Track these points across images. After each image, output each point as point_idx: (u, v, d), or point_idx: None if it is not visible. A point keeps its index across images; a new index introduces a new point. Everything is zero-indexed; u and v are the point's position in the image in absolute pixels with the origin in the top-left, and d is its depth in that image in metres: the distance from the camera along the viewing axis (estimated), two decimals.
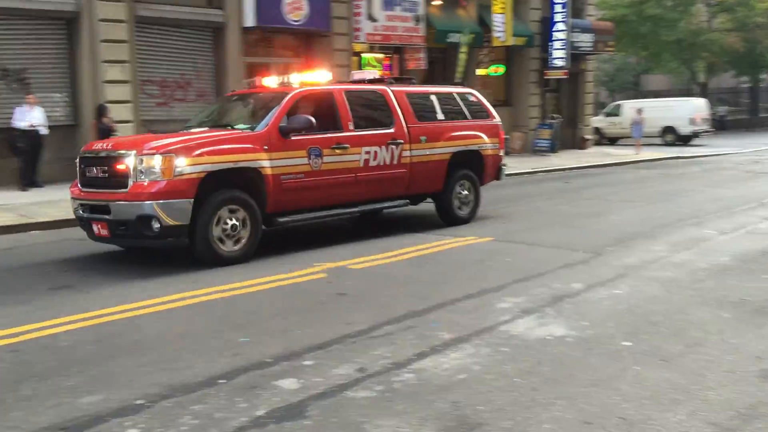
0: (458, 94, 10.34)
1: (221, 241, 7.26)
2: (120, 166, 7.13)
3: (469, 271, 7.07)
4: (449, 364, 4.42)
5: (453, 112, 9.98)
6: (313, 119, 7.81)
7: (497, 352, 4.62)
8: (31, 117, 13.12)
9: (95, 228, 7.42)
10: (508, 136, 22.69)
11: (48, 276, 7.10)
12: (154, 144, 7.19)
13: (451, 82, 20.44)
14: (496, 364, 4.42)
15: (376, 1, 18.50)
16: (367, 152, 8.62)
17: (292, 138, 7.82)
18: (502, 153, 10.59)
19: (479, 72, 22.50)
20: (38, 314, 5.61)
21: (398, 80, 10.36)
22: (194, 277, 6.85)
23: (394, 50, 19.96)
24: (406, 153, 9.07)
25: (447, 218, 9.77)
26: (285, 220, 7.96)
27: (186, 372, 4.32)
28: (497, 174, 10.57)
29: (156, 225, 6.91)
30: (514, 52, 23.31)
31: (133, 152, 7.08)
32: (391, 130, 8.98)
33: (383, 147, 8.80)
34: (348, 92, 8.77)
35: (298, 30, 17.28)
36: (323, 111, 8.44)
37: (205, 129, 8.30)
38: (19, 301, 6.07)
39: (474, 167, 10.05)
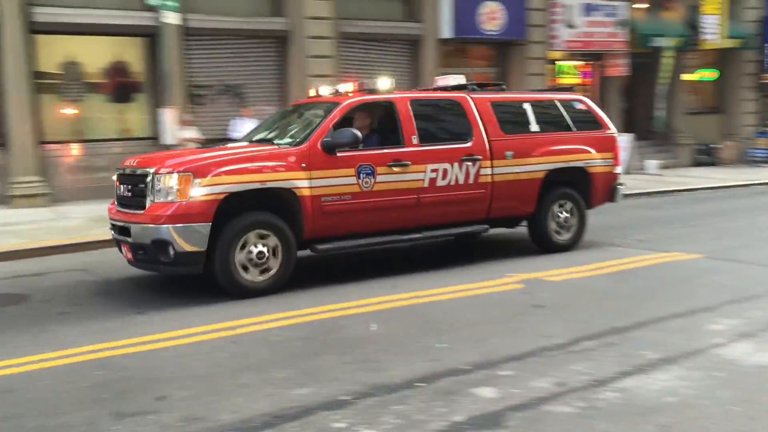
0: (561, 101, 8.75)
1: (245, 269, 6.49)
2: (141, 185, 6.59)
3: (676, 288, 6.65)
4: (656, 385, 4.19)
5: (552, 122, 8.54)
6: (358, 134, 6.87)
7: (709, 377, 4.30)
8: (244, 128, 14.26)
9: (123, 250, 6.90)
10: (719, 145, 21.17)
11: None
12: (173, 161, 6.61)
13: (654, 88, 19.44)
14: (709, 389, 4.12)
15: (576, 8, 18.02)
16: (434, 170, 7.46)
17: (339, 155, 6.89)
18: (617, 170, 8.92)
19: (686, 77, 21.12)
20: (253, 310, 6.09)
21: (483, 86, 8.79)
22: (393, 282, 7.07)
23: (594, 57, 19.31)
24: (486, 171, 7.81)
25: (542, 244, 8.43)
26: (325, 247, 7.00)
27: (387, 373, 4.47)
28: (611, 195, 8.86)
29: (171, 251, 6.29)
30: (726, 56, 21.62)
31: (152, 170, 6.49)
32: (468, 145, 7.75)
33: (455, 164, 7.59)
34: (414, 101, 7.66)
35: (494, 40, 17.28)
36: (383, 123, 7.64)
37: (244, 144, 7.63)
38: (236, 296, 6.57)
39: (578, 186, 8.57)
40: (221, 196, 6.34)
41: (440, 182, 7.52)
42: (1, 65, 12.50)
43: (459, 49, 17.75)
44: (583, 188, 8.61)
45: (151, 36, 13.34)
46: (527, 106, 8.46)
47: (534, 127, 8.37)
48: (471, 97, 8.03)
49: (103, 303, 6.56)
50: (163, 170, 6.41)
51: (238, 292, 6.47)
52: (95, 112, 14.02)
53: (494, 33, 17.05)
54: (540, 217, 8.32)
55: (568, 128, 8.59)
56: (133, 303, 6.45)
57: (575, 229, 8.59)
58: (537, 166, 8.20)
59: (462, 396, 4.07)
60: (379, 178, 7.11)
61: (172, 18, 11.66)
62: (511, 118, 8.26)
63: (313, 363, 4.71)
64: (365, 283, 7.06)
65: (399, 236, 7.45)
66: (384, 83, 7.66)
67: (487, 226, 8.07)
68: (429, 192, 7.45)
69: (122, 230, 6.74)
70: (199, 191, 6.29)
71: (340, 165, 6.92)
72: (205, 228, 6.29)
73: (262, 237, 6.56)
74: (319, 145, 6.85)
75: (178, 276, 7.54)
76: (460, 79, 8.58)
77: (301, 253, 7.10)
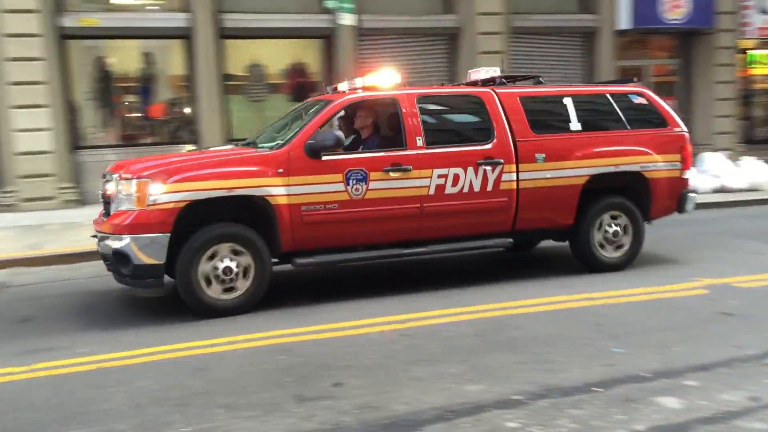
0: (614, 94, 7.52)
1: (210, 285, 5.99)
2: (108, 192, 6.27)
3: None
4: None
5: (601, 119, 7.45)
6: (340, 135, 6.24)
7: None
8: None
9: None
10: None
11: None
12: (137, 166, 6.16)
13: None
14: None
15: None
16: (441, 175, 6.61)
17: (325, 159, 6.25)
18: (687, 175, 7.60)
19: None
20: (424, 304, 6.15)
21: (516, 79, 7.89)
22: (566, 282, 6.87)
23: None
24: (510, 176, 6.85)
25: (585, 261, 7.34)
26: (306, 261, 6.35)
27: (561, 375, 4.36)
28: (679, 203, 7.54)
29: (130, 263, 5.83)
30: None
31: (116, 176, 6.11)
32: (487, 146, 6.83)
33: (469, 168, 6.71)
34: (424, 98, 6.88)
35: (677, 29, 16.26)
36: (388, 124, 7.04)
37: (225, 148, 7.14)
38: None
39: (632, 194, 7.42)
40: (181, 204, 5.83)
41: (450, 189, 6.65)
42: (195, 69, 13.57)
43: (638, 41, 16.88)
44: (639, 196, 7.42)
45: (327, 37, 13.90)
46: (568, 101, 7.31)
47: (575, 125, 7.22)
48: (496, 92, 7.09)
49: (288, 291, 6.85)
50: (125, 175, 6.00)
51: (202, 310, 5.99)
52: (276, 111, 14.82)
53: (678, 22, 16.02)
54: (582, 230, 7.20)
55: (620, 126, 7.40)
56: (319, 292, 6.73)
57: (629, 245, 7.37)
58: (576, 171, 7.09)
59: (643, 404, 3.87)
60: (372, 185, 6.38)
61: (347, 19, 12.07)
62: (546, 116, 7.33)
63: (485, 360, 4.69)
64: (538, 281, 6.92)
65: (399, 250, 6.67)
66: (388, 78, 6.87)
67: (510, 240, 7.03)
68: (435, 200, 6.61)
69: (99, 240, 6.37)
70: (158, 198, 5.80)
71: (326, 170, 6.25)
72: (163, 239, 5.80)
73: (231, 251, 6.04)
74: (301, 149, 6.22)
75: (356, 267, 7.67)
76: (493, 72, 7.54)
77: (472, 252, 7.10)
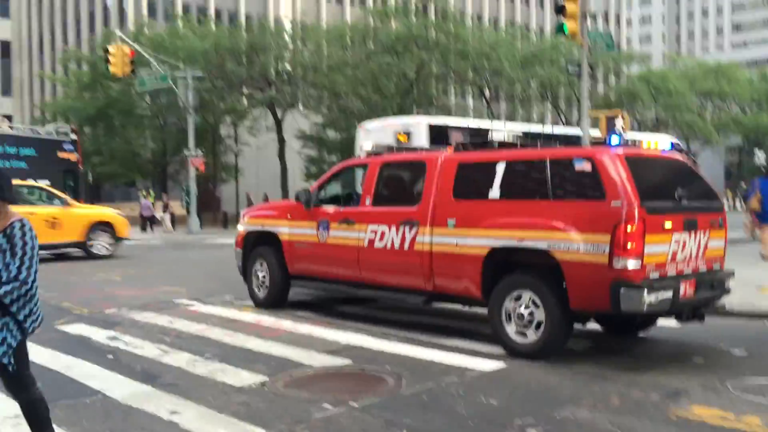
0: (555, 159, 6.63)
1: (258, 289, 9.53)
2: None
3: None
4: None
5: (527, 187, 6.84)
6: (298, 193, 8.93)
7: None
8: None
9: None
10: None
11: None
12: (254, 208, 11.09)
13: None
14: None
15: None
16: (373, 231, 7.96)
17: (313, 208, 8.71)
18: (624, 264, 5.97)
19: None
20: None
21: (504, 145, 7.69)
22: None
23: None
24: (423, 238, 7.37)
25: (499, 339, 6.79)
26: (299, 283, 9.14)
27: None
28: (611, 300, 6.01)
29: None
30: None
31: None
32: (411, 208, 7.65)
33: (392, 227, 7.74)
34: (387, 164, 8.35)
35: None
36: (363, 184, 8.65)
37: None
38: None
39: (548, 274, 6.45)
40: (245, 233, 9.80)
41: (378, 244, 7.92)
42: None
43: None
44: (553, 279, 6.43)
45: None
46: (500, 167, 6.96)
47: (494, 192, 6.90)
48: (441, 158, 7.54)
49: None
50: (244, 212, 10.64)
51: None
52: None
53: None
54: (489, 305, 6.84)
55: (545, 195, 6.56)
56: None
57: (543, 331, 6.43)
58: (478, 240, 6.83)
59: None
60: (332, 233, 8.48)
61: None
62: (475, 182, 7.19)
63: None
64: None
65: (349, 289, 8.57)
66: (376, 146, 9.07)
67: (422, 298, 7.69)
68: (367, 252, 8.03)
69: None
70: (239, 227, 10.06)
71: (310, 218, 8.77)
72: (239, 252, 9.83)
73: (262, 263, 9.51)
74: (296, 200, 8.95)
75: None
76: (500, 135, 8.60)
77: None
